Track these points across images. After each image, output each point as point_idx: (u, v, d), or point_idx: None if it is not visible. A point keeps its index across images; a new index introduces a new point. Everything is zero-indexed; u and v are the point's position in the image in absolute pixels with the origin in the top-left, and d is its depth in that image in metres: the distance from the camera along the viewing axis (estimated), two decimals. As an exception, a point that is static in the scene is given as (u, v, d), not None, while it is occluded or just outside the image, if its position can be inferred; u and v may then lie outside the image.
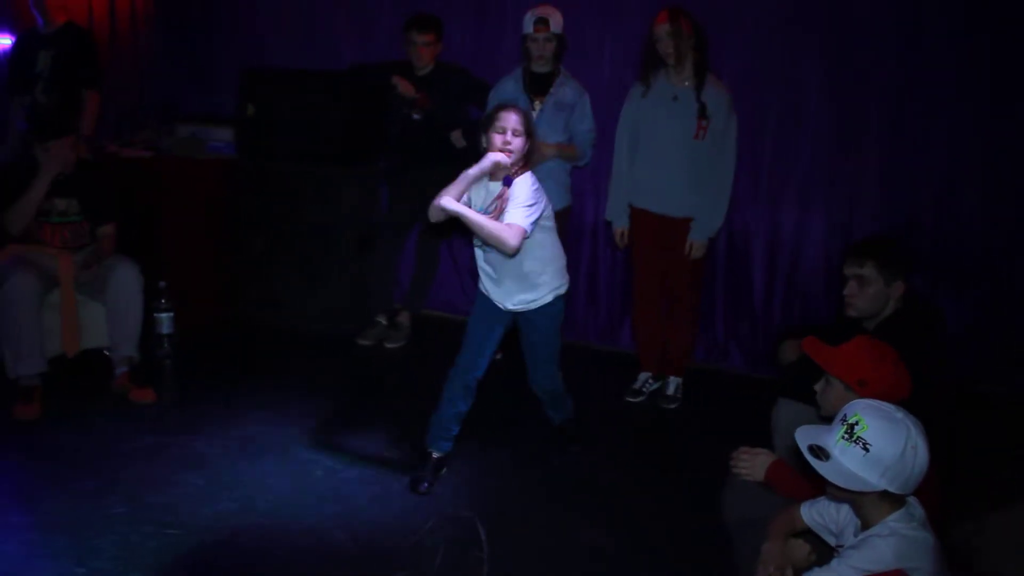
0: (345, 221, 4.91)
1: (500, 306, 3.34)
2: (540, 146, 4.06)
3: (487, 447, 3.75)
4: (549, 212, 3.27)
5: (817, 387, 2.45)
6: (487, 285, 3.36)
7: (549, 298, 3.34)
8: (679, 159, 3.96)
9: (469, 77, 4.66)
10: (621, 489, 3.49)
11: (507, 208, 3.10)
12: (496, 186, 3.19)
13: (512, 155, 3.15)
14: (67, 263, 3.94)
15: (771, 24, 4.41)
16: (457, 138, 4.60)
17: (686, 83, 3.91)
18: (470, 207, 3.15)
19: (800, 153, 4.48)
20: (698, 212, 3.99)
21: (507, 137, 3.15)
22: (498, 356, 4.25)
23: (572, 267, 4.76)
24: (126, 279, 3.98)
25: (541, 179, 4.14)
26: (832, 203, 4.47)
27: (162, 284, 4.36)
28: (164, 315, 4.35)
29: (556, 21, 4.13)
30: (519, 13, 4.34)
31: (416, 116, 4.63)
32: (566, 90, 4.20)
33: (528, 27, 4.13)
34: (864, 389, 2.26)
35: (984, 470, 3.23)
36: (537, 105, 4.19)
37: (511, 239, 3.03)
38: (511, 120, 3.15)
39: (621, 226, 4.21)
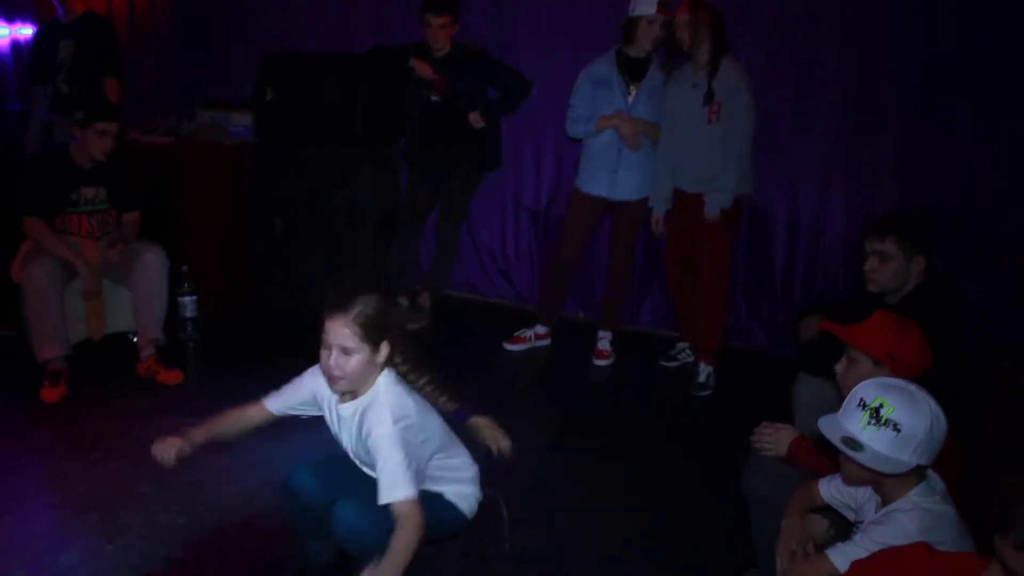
0: (365, 203, 4.93)
1: None
2: (629, 122, 4.11)
3: (510, 430, 3.76)
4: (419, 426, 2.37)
5: (838, 367, 2.41)
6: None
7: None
8: (697, 143, 4.00)
9: (487, 58, 4.65)
10: (643, 467, 3.50)
11: (377, 460, 2.29)
12: (347, 408, 2.44)
13: (341, 382, 2.35)
14: (92, 249, 3.98)
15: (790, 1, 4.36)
16: (476, 119, 4.61)
17: (703, 71, 3.93)
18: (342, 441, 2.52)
19: (821, 130, 4.43)
20: (708, 189, 4.01)
21: (331, 360, 2.32)
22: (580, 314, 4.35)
23: (593, 248, 4.81)
24: (152, 264, 4.02)
25: (631, 166, 4.21)
26: (853, 180, 4.42)
27: (185, 268, 4.42)
28: (187, 299, 4.43)
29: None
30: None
31: (435, 98, 4.64)
32: (661, 76, 4.17)
33: (646, 9, 4.03)
34: (895, 362, 2.25)
35: (1009, 446, 3.21)
36: (632, 90, 4.17)
37: (415, 533, 2.19)
38: (335, 334, 2.32)
39: (659, 213, 4.25)
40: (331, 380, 2.37)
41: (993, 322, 4.13)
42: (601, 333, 4.56)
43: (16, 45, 5.70)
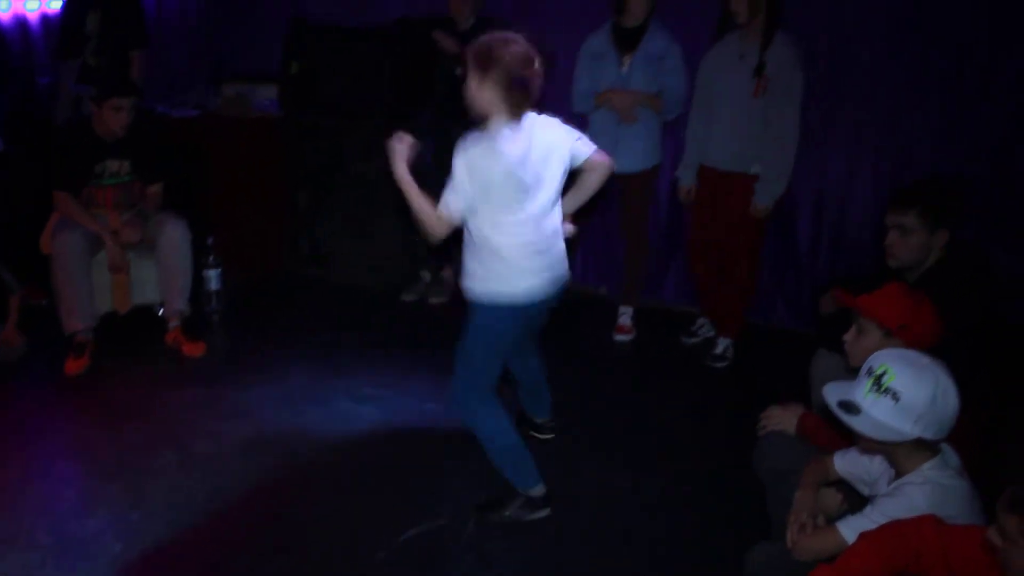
0: (390, 176, 4.92)
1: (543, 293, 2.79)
2: (621, 96, 4.07)
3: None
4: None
5: (847, 336, 2.39)
6: (537, 266, 2.78)
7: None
8: (738, 116, 3.91)
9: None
10: (662, 440, 3.51)
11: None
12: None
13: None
14: (117, 222, 4.03)
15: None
16: None
17: (754, 42, 3.83)
18: None
19: (849, 100, 4.35)
20: (763, 173, 3.93)
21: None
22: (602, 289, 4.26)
23: (614, 223, 4.77)
24: (175, 236, 4.06)
25: (631, 137, 4.14)
26: (881, 153, 4.35)
27: (210, 241, 4.46)
28: (212, 271, 4.47)
29: None
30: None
31: (459, 71, 4.61)
32: (655, 42, 4.08)
33: None
34: (906, 333, 2.23)
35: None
36: (627, 61, 4.11)
37: (437, 228, 2.73)
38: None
39: (687, 183, 4.20)
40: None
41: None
42: (622, 308, 4.55)
43: (46, 19, 5.74)
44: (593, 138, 3.77)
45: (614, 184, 4.35)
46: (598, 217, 4.62)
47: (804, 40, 4.28)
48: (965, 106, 4.13)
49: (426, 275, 4.97)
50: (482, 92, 2.67)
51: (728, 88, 3.92)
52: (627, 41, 4.10)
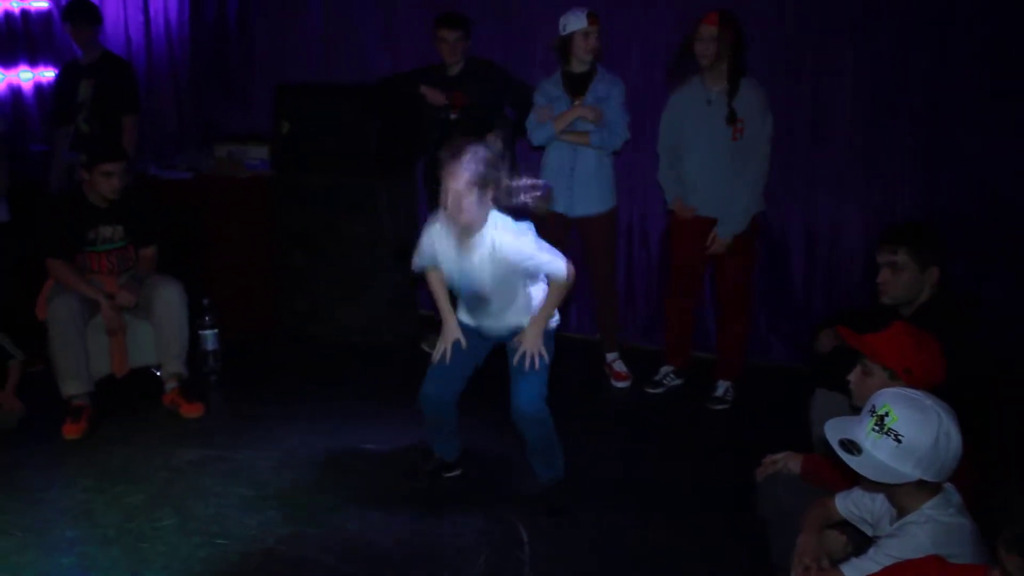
0: (382, 231, 4.97)
1: (490, 336, 3.28)
2: (561, 118, 4.16)
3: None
4: None
5: (851, 376, 2.41)
6: (477, 318, 3.25)
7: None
8: (716, 162, 3.95)
9: (502, 73, 4.67)
10: (662, 482, 3.50)
11: (532, 264, 3.02)
12: (474, 255, 3.03)
13: (465, 216, 2.93)
14: (113, 286, 4.04)
15: (804, 9, 4.36)
16: (492, 141, 4.62)
17: (719, 87, 3.89)
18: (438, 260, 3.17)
19: (839, 137, 4.41)
20: (728, 209, 3.96)
21: (450, 203, 2.92)
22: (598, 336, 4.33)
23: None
24: (170, 298, 4.07)
25: (585, 182, 4.24)
26: (870, 190, 4.40)
27: (206, 301, 4.47)
28: (209, 332, 4.48)
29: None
30: (545, 16, 4.37)
31: (453, 115, 4.66)
32: (601, 85, 4.18)
33: (579, 23, 4.07)
34: (910, 377, 2.23)
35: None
36: (577, 103, 4.19)
37: (568, 275, 3.05)
38: (450, 187, 2.91)
39: (675, 195, 4.15)
40: (456, 219, 2.94)
41: (1013, 326, 4.07)
42: (609, 356, 4.55)
43: (39, 88, 5.83)
44: (548, 180, 3.95)
45: (574, 230, 4.41)
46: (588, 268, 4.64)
47: (790, 81, 4.39)
48: (953, 140, 4.19)
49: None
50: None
51: (699, 134, 3.96)
52: (576, 86, 4.20)
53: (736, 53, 3.83)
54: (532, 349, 3.10)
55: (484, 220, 2.97)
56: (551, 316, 3.15)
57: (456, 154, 2.93)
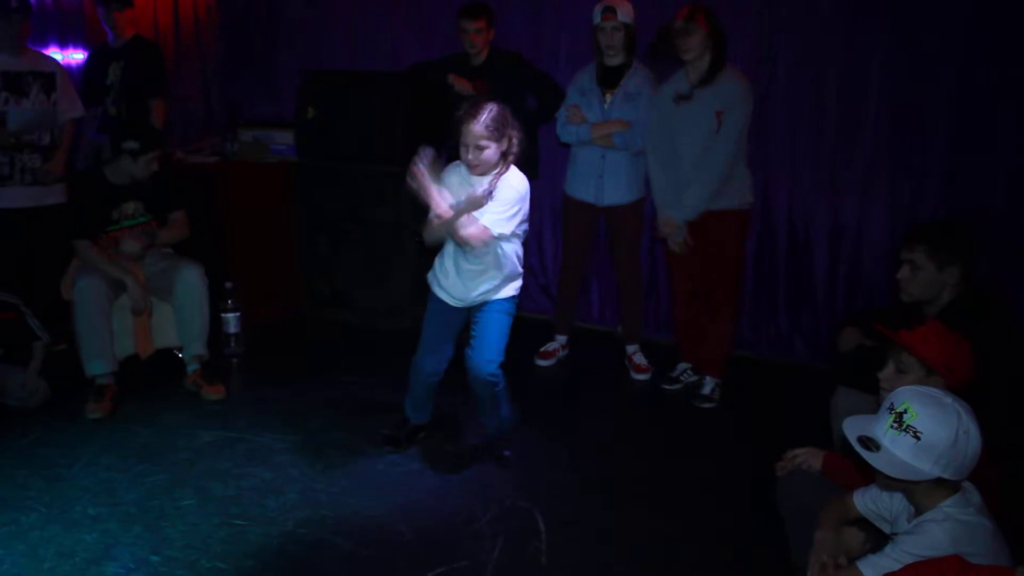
0: (406, 218, 4.98)
1: (460, 303, 3.40)
2: (597, 127, 4.19)
3: (547, 441, 3.79)
4: (524, 224, 3.29)
5: (883, 374, 2.36)
6: (447, 282, 3.39)
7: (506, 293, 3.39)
8: (696, 155, 3.93)
9: (525, 64, 4.68)
10: (680, 481, 3.49)
11: (488, 205, 3.12)
12: (478, 181, 3.20)
13: (480, 167, 3.14)
14: (137, 267, 4.08)
15: (833, 6, 4.33)
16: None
17: (698, 80, 3.87)
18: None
19: (863, 134, 4.38)
20: (685, 195, 3.93)
21: (469, 156, 3.13)
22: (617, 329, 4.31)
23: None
24: (191, 282, 4.10)
25: (614, 171, 4.27)
26: (896, 188, 4.37)
27: (228, 285, 4.51)
28: (231, 315, 4.52)
29: (625, 11, 4.11)
30: (572, 7, 4.35)
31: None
32: (634, 81, 4.18)
33: (595, 18, 4.13)
34: (951, 375, 2.22)
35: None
36: (608, 97, 4.21)
37: (476, 239, 3.10)
38: (470, 134, 3.10)
39: (666, 213, 4.06)
40: (468, 161, 3.14)
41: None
42: (630, 348, 4.56)
43: (69, 70, 5.87)
44: (576, 169, 3.90)
45: (598, 217, 4.42)
46: (613, 258, 4.65)
47: (815, 79, 4.35)
48: (980, 139, 4.15)
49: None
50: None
51: (686, 130, 3.94)
52: (609, 79, 4.22)
53: (717, 44, 3.82)
54: (438, 211, 3.13)
55: (495, 168, 3.15)
56: (456, 220, 3.10)
57: (478, 102, 3.16)
